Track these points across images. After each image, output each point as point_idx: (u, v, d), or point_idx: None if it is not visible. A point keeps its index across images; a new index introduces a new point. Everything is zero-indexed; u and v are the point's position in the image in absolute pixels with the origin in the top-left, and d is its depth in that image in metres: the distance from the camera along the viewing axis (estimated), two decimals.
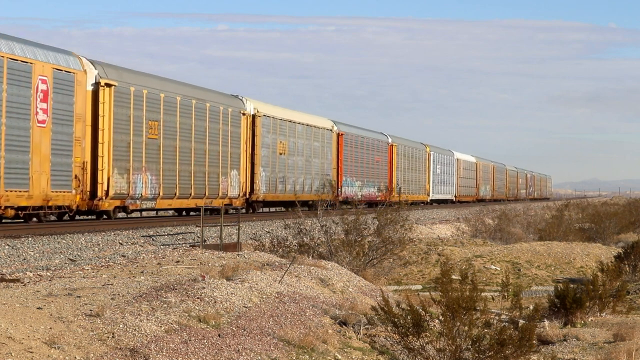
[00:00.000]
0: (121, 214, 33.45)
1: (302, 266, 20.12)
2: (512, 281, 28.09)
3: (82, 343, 11.61)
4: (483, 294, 15.66)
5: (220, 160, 38.26)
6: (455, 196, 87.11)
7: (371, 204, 55.17)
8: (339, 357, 14.66)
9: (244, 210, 39.48)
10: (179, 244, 23.66)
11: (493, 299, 25.10)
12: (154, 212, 39.85)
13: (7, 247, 19.53)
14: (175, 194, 34.62)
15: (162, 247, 22.65)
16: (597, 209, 67.92)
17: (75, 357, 11.14)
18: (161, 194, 33.46)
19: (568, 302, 21.21)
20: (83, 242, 21.62)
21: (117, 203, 30.83)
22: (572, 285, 22.21)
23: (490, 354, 13.87)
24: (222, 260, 19.79)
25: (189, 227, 27.34)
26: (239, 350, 13.19)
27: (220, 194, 38.01)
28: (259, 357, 13.30)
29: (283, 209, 48.37)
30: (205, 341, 13.01)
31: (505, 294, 25.55)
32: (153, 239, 23.74)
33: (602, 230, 48.23)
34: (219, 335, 13.45)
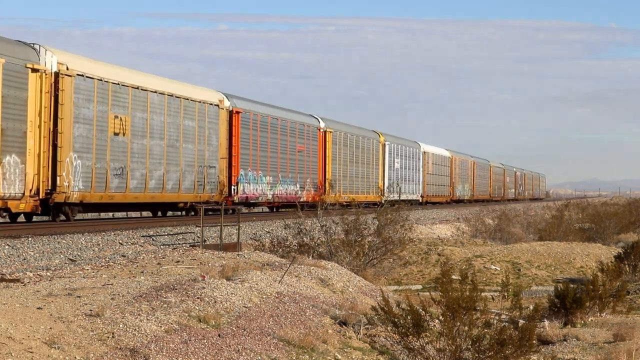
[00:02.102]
0: None
1: (302, 266, 20.12)
2: (512, 281, 28.09)
3: (82, 343, 11.61)
4: (483, 294, 15.66)
5: None
6: (422, 196, 73.56)
7: (292, 206, 42.15)
8: (339, 357, 14.66)
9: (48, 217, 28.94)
10: (179, 244, 23.67)
11: (493, 299, 25.11)
12: None
13: (7, 247, 19.53)
14: None
15: (162, 247, 22.65)
16: (597, 209, 67.92)
17: (75, 357, 11.14)
18: None
19: (568, 302, 21.21)
20: (83, 242, 21.62)
21: None
22: (572, 285, 22.21)
23: (490, 354, 13.87)
24: (222, 260, 19.79)
25: (189, 227, 27.34)
26: (239, 350, 13.19)
27: None
28: (259, 357, 13.31)
29: (150, 215, 36.68)
30: (205, 341, 13.01)
31: (505, 294, 25.55)
32: (153, 239, 23.74)
33: (602, 230, 48.23)
34: (219, 335, 13.45)
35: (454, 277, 15.10)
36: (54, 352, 11.08)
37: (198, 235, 24.86)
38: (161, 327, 12.91)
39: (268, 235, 28.10)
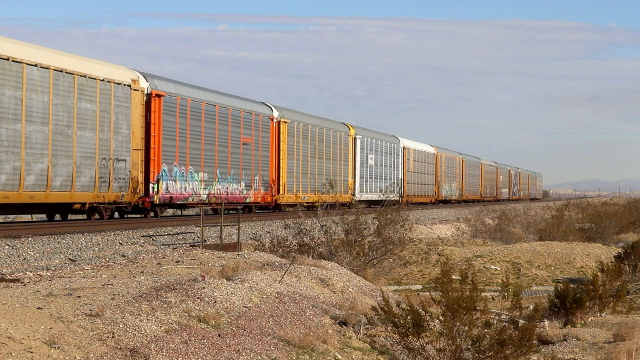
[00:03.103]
0: None
1: (302, 266, 20.12)
2: (512, 281, 28.08)
3: (82, 343, 11.61)
4: (483, 294, 15.66)
5: None
6: (401, 196, 64.08)
7: (239, 207, 38.22)
8: (339, 357, 14.66)
9: None
10: (179, 244, 23.67)
11: (493, 299, 25.10)
12: None
13: (7, 247, 19.53)
14: None
15: (162, 247, 22.66)
16: (597, 209, 67.96)
17: (75, 357, 11.14)
18: None
19: (568, 302, 21.21)
20: (83, 242, 21.62)
21: None
22: (572, 285, 22.21)
23: (490, 354, 13.87)
24: (222, 260, 19.79)
25: (189, 227, 27.35)
26: (239, 350, 13.19)
27: None
28: (259, 357, 13.30)
29: None
30: (205, 341, 13.01)
31: (505, 294, 25.53)
32: (153, 239, 23.74)
33: (602, 230, 48.23)
34: (219, 335, 13.45)
35: (454, 277, 15.09)
36: (54, 352, 11.08)
37: (198, 235, 24.87)
38: (161, 327, 12.91)
39: (268, 235, 28.12)
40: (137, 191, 31.03)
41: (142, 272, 17.44)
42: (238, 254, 21.28)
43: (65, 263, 18.57)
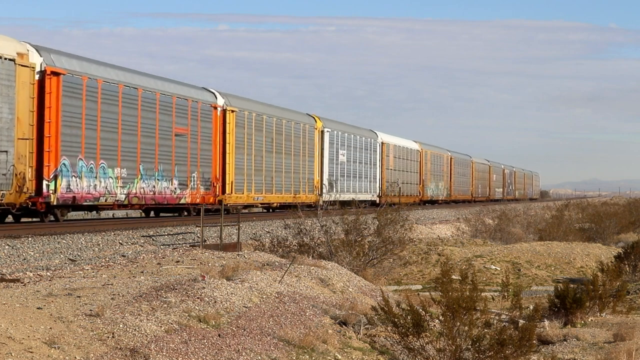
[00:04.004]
0: None
1: (302, 266, 20.12)
2: (512, 281, 28.08)
3: (82, 343, 11.62)
4: (483, 294, 15.66)
5: None
6: (379, 196, 59.34)
7: (168, 209, 34.79)
8: (339, 357, 14.66)
9: None
10: (179, 244, 23.68)
11: (493, 299, 25.10)
12: None
13: (7, 247, 19.54)
14: None
15: (162, 247, 22.67)
16: (597, 209, 67.97)
17: (75, 357, 11.14)
18: None
19: (568, 302, 21.21)
20: (83, 242, 21.63)
21: None
22: (572, 285, 22.21)
23: (490, 354, 13.87)
24: (222, 260, 19.79)
25: (189, 227, 27.36)
26: (239, 350, 13.19)
27: None
28: (259, 357, 13.31)
29: None
30: (205, 341, 13.02)
31: (505, 294, 25.53)
32: (153, 239, 23.76)
33: (602, 230, 48.25)
34: (219, 335, 13.45)
35: (454, 277, 15.10)
36: (54, 352, 11.08)
37: (198, 235, 24.88)
38: (161, 327, 12.92)
39: (268, 235, 28.13)
40: (25, 190, 25.08)
41: (142, 272, 17.45)
42: (238, 254, 21.29)
43: (65, 263, 18.58)
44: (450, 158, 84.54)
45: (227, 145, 37.62)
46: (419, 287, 27.54)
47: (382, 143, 62.02)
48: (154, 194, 32.13)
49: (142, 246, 22.42)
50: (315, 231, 25.40)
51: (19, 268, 17.37)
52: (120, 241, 22.54)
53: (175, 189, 33.64)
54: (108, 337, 12.05)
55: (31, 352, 10.84)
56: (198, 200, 35.13)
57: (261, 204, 40.11)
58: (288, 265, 19.56)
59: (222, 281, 16.43)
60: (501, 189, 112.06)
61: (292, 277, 18.58)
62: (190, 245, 23.15)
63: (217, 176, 36.80)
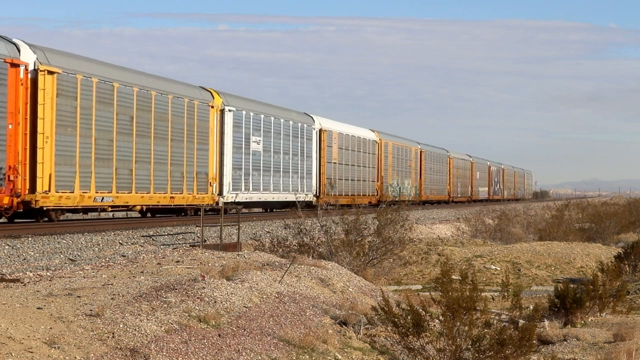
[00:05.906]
0: None
1: (302, 266, 20.12)
2: (512, 281, 28.07)
3: (82, 343, 11.61)
4: (483, 294, 15.66)
5: None
6: (317, 196, 47.95)
7: None
8: (339, 357, 14.66)
9: None
10: (179, 244, 23.67)
11: (493, 299, 25.09)
12: None
13: (7, 247, 19.54)
14: None
15: (162, 247, 22.66)
16: (597, 209, 67.95)
17: (75, 357, 11.14)
18: None
19: (568, 302, 21.21)
20: (83, 242, 21.62)
21: None
22: (572, 285, 22.21)
23: (490, 354, 13.87)
24: (222, 260, 19.79)
25: (189, 227, 27.35)
26: (239, 350, 13.19)
27: None
28: (259, 357, 13.30)
29: None
30: (205, 341, 13.01)
31: (505, 294, 25.53)
32: (153, 239, 23.75)
33: (602, 230, 48.25)
34: (219, 335, 13.45)
35: (454, 277, 15.09)
36: (54, 352, 11.08)
37: (198, 235, 24.87)
38: (161, 327, 12.91)
39: (268, 235, 28.12)
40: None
41: (142, 272, 17.44)
42: (238, 254, 21.28)
43: (65, 263, 18.57)
44: (420, 151, 71.85)
45: (41, 122, 25.54)
46: (419, 287, 27.54)
47: (322, 130, 49.37)
48: None
49: (142, 246, 22.41)
50: (315, 231, 25.40)
51: (19, 268, 17.36)
52: (120, 241, 22.53)
53: None
54: (108, 337, 12.04)
55: (31, 352, 10.84)
56: None
57: (110, 206, 29.36)
58: (288, 265, 19.56)
59: (222, 281, 16.42)
60: (486, 189, 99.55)
61: (292, 277, 18.58)
62: (190, 245, 23.14)
63: (14, 166, 24.69)
